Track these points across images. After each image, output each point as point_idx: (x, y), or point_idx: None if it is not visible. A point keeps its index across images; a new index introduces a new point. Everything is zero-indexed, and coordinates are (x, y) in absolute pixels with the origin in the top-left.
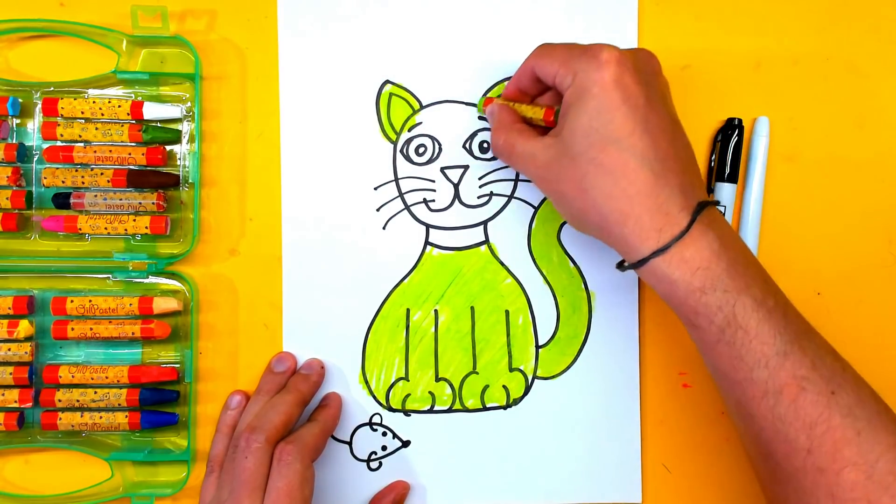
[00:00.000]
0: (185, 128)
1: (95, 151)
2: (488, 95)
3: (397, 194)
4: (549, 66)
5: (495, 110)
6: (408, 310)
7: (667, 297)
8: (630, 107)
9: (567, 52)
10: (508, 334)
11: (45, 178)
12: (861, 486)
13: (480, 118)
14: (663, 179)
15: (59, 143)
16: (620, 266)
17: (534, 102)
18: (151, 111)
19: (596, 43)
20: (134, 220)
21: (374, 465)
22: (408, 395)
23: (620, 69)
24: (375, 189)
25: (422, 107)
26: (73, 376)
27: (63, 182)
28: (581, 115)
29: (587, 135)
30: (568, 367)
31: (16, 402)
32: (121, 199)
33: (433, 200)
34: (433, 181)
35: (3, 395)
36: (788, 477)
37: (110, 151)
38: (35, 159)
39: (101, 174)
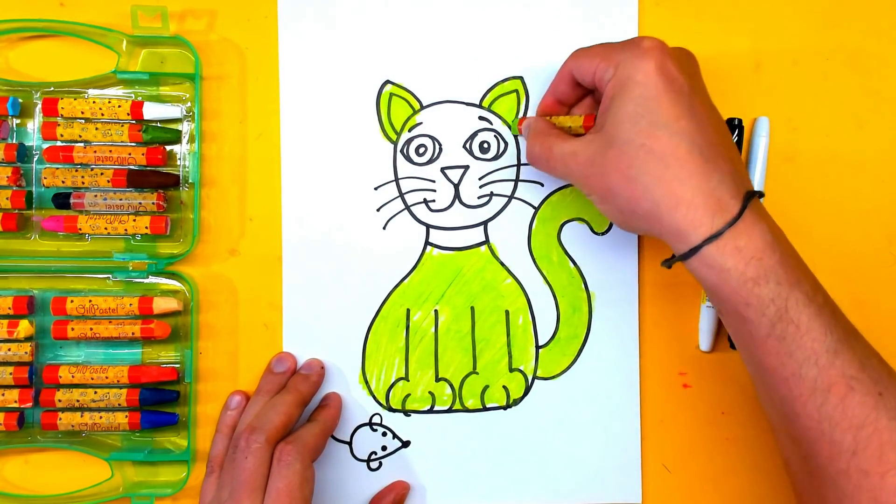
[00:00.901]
0: (185, 128)
1: (95, 151)
2: (521, 116)
3: (397, 194)
4: (588, 63)
5: (531, 123)
6: (408, 310)
7: (717, 288)
8: (676, 92)
9: (605, 47)
10: (508, 334)
11: (45, 178)
12: None
13: (515, 136)
14: (713, 164)
15: (59, 143)
16: (668, 262)
17: (569, 114)
18: (151, 111)
19: (634, 37)
20: (134, 220)
21: (374, 465)
22: (408, 396)
23: (663, 57)
24: (375, 189)
25: (422, 107)
26: (73, 376)
27: (63, 182)
28: (626, 102)
29: (634, 122)
30: (568, 368)
31: (16, 402)
32: (121, 199)
33: (433, 200)
34: (433, 181)
35: (3, 395)
36: (830, 479)
37: (110, 151)
38: (35, 159)
39: (101, 174)
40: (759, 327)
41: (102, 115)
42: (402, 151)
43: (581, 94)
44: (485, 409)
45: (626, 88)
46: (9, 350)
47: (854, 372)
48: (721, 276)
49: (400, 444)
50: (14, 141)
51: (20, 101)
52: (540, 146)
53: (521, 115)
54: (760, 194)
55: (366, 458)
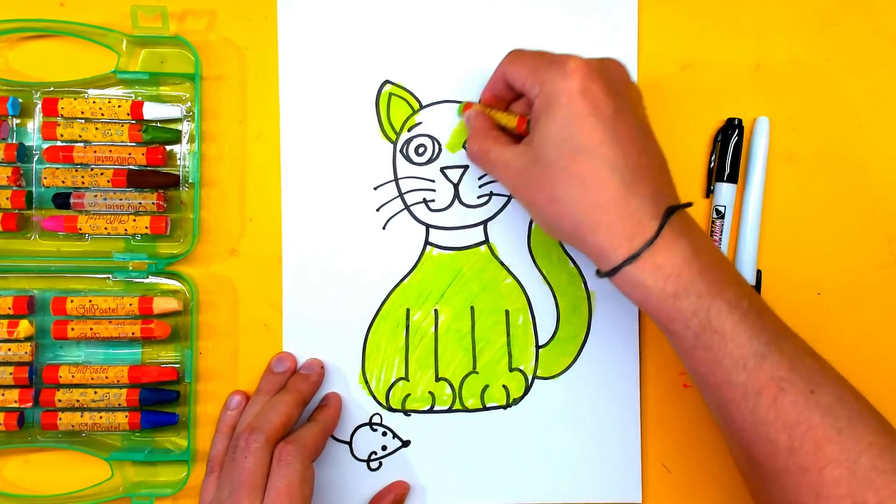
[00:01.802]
0: (185, 128)
1: (95, 151)
2: (468, 101)
3: (397, 194)
4: (518, 73)
5: (472, 116)
6: (408, 310)
7: (642, 305)
8: (598, 117)
9: (535, 60)
10: (508, 334)
11: (45, 178)
12: (845, 484)
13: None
14: (633, 188)
15: (59, 143)
16: (598, 274)
17: (509, 108)
18: (151, 111)
19: (564, 53)
20: (134, 220)
21: (374, 465)
22: (408, 395)
23: (587, 79)
24: (375, 189)
25: (421, 107)
26: (73, 376)
27: (63, 182)
28: (550, 124)
29: (557, 144)
30: (568, 367)
31: (16, 402)
32: (121, 199)
33: (433, 200)
34: (433, 181)
35: (3, 395)
36: (772, 477)
37: (110, 151)
38: (35, 159)
39: (101, 174)
40: (686, 339)
41: (102, 115)
42: (401, 151)
43: (518, 94)
44: (485, 408)
45: (550, 109)
46: (9, 350)
47: (784, 373)
48: (643, 294)
49: (400, 443)
50: (14, 141)
51: (20, 101)
52: (478, 147)
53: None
54: (685, 205)
55: (366, 458)
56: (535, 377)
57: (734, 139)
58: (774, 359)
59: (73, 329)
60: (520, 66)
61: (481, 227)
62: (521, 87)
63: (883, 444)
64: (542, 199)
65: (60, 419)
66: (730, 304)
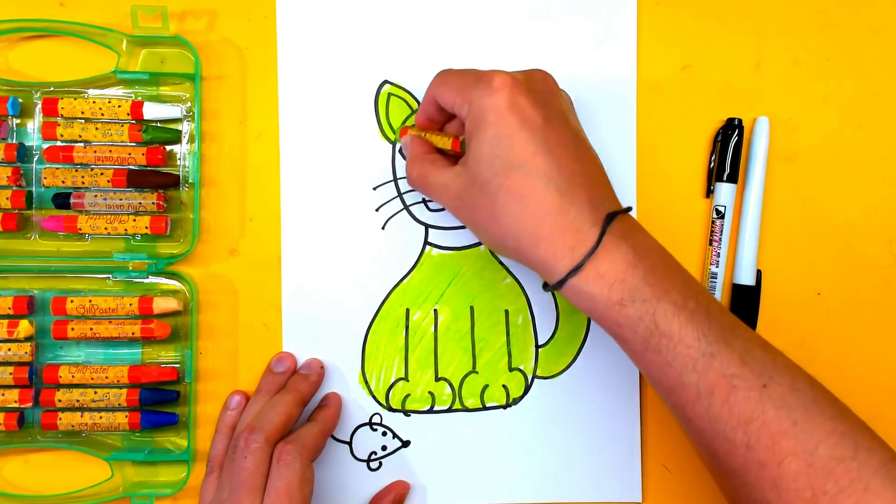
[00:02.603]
0: (185, 128)
1: (95, 151)
2: (405, 125)
3: (396, 194)
4: (446, 94)
5: (408, 142)
6: (407, 310)
7: (590, 314)
8: (528, 130)
9: (461, 79)
10: (508, 334)
11: (45, 178)
12: (804, 475)
13: (400, 151)
14: (570, 197)
15: (59, 143)
16: (545, 287)
17: (444, 129)
18: (151, 111)
19: (489, 69)
20: (134, 220)
21: (373, 465)
22: (408, 395)
23: (513, 93)
24: (374, 189)
25: None
26: (73, 376)
27: (63, 182)
28: (482, 143)
29: (490, 162)
30: (568, 367)
31: (16, 402)
32: (121, 199)
33: (432, 200)
34: None
35: (3, 395)
36: (734, 474)
37: (110, 151)
38: (35, 159)
39: (101, 174)
40: (635, 344)
41: (102, 115)
42: (400, 151)
43: (451, 115)
44: (484, 408)
45: (480, 128)
46: (9, 350)
47: (734, 370)
48: (589, 303)
49: (400, 443)
50: (14, 141)
51: (20, 101)
52: (417, 172)
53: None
54: (625, 210)
55: (366, 457)
56: (534, 377)
57: (734, 139)
58: (724, 356)
59: (73, 329)
60: (447, 87)
61: None
62: (451, 107)
63: (841, 432)
64: (483, 219)
65: (60, 419)
66: (675, 306)
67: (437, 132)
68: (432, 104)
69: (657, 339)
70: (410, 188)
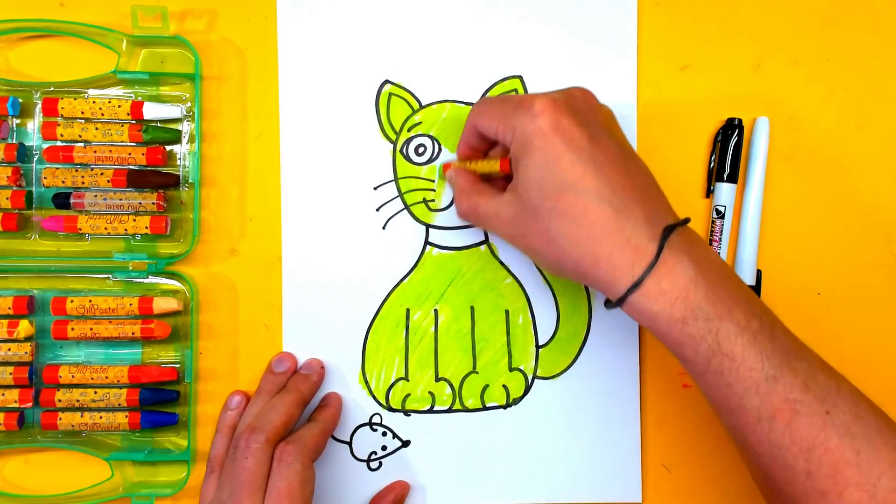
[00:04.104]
0: (185, 128)
1: (95, 151)
2: (445, 161)
3: (397, 194)
4: (488, 123)
5: (453, 175)
6: (408, 310)
7: (652, 330)
8: (575, 150)
9: (502, 107)
10: (508, 334)
11: (45, 178)
12: None
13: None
14: (624, 213)
15: (59, 143)
16: (607, 304)
17: (488, 155)
18: (151, 111)
19: (528, 94)
20: (134, 220)
21: (374, 465)
22: (408, 395)
23: (556, 115)
24: (375, 189)
25: (421, 107)
26: (73, 376)
27: (63, 182)
28: (530, 168)
29: (541, 186)
30: (568, 367)
31: (16, 402)
32: (121, 199)
33: (433, 200)
34: (433, 181)
35: (3, 395)
36: (792, 501)
37: (110, 151)
38: (35, 159)
39: (101, 174)
40: (696, 364)
41: (102, 115)
42: (401, 151)
43: (494, 142)
44: (485, 408)
45: (526, 153)
46: (9, 350)
47: (797, 395)
48: (651, 320)
49: (400, 443)
50: (14, 141)
51: (20, 101)
52: (466, 204)
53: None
54: (683, 222)
55: (366, 458)
56: (535, 377)
57: (734, 139)
58: (787, 380)
59: (73, 329)
60: (488, 116)
61: None
62: (494, 135)
63: None
64: (540, 244)
65: (60, 419)
66: (739, 326)
67: (482, 159)
68: (473, 134)
69: (719, 360)
70: (411, 188)
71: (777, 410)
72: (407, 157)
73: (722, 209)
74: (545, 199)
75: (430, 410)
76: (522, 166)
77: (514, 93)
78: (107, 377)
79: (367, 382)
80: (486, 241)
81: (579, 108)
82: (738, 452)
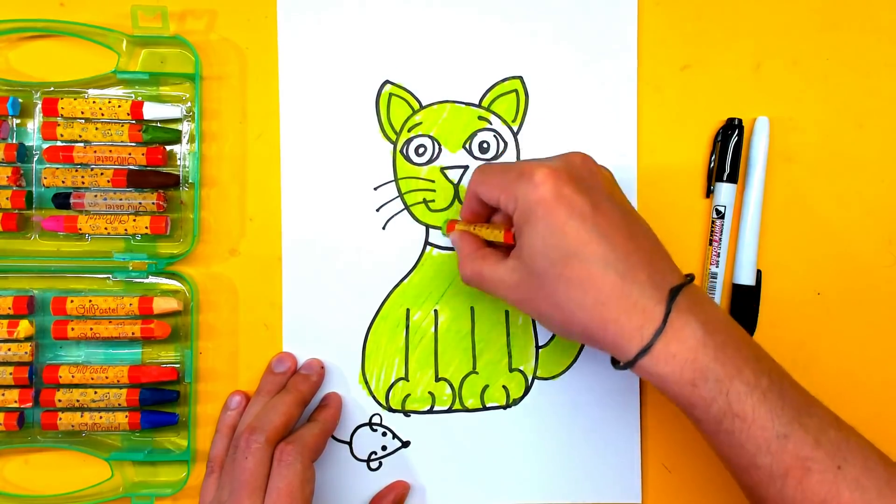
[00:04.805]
0: (185, 128)
1: (95, 151)
2: (451, 219)
3: (397, 194)
4: (489, 192)
5: (456, 239)
6: (408, 310)
7: (662, 391)
8: (578, 218)
9: (503, 176)
10: (508, 334)
11: (45, 178)
12: None
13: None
14: (630, 277)
15: (59, 143)
16: (614, 365)
17: (492, 221)
18: (151, 111)
19: (526, 162)
20: (134, 220)
21: (374, 465)
22: (408, 396)
23: (557, 184)
24: (375, 189)
25: (422, 107)
26: (73, 376)
27: (63, 182)
28: (534, 236)
29: (545, 254)
30: (568, 368)
31: (16, 402)
32: (121, 199)
33: (433, 201)
34: (433, 181)
35: (3, 395)
36: None
37: (110, 151)
38: (35, 159)
39: (101, 174)
40: (708, 424)
41: (102, 115)
42: (401, 151)
43: (494, 208)
44: (485, 408)
45: (530, 222)
46: (9, 350)
47: (808, 452)
48: (661, 382)
49: (400, 444)
50: (14, 141)
51: (20, 101)
52: (471, 270)
53: (519, 114)
54: (687, 282)
55: (366, 458)
56: (534, 377)
57: (734, 139)
58: (798, 437)
59: (73, 329)
60: (489, 186)
61: None
62: (496, 203)
63: None
64: (547, 309)
65: (60, 419)
66: (748, 385)
67: (486, 225)
68: (475, 200)
69: (730, 420)
70: (411, 189)
71: (789, 468)
72: (407, 158)
73: (722, 209)
74: (551, 267)
75: (430, 411)
76: (526, 234)
77: (513, 93)
78: (107, 377)
79: (367, 382)
80: None
81: (580, 174)
82: None
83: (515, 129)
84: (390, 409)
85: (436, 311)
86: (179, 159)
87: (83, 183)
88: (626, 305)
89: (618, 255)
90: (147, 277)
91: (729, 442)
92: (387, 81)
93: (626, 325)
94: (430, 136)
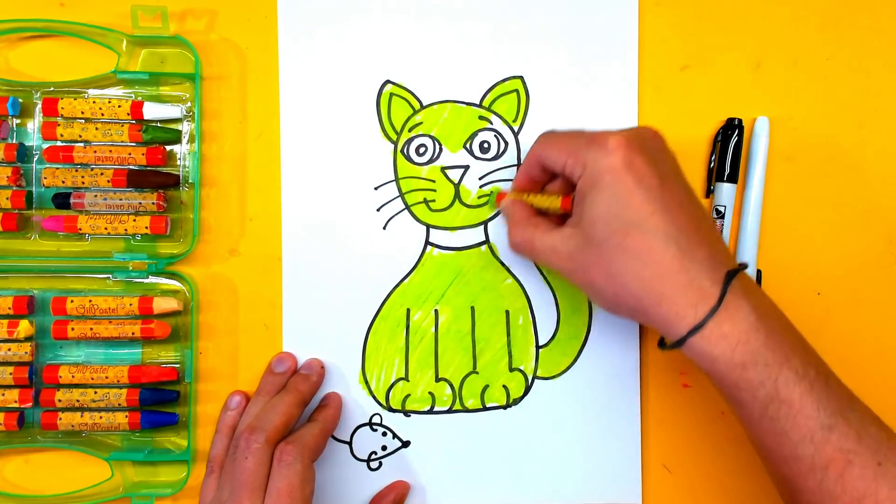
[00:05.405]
0: (185, 128)
1: (95, 151)
2: (500, 191)
3: (398, 194)
4: (556, 156)
5: (508, 206)
6: (408, 310)
7: (709, 373)
8: (645, 188)
9: (573, 141)
10: (508, 334)
11: (45, 178)
12: None
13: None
14: (690, 254)
15: (59, 143)
16: (661, 345)
17: (545, 190)
18: (151, 111)
19: (599, 131)
20: (134, 220)
21: (374, 465)
22: (408, 396)
23: (630, 153)
24: (376, 189)
25: (422, 107)
26: (73, 376)
27: (63, 182)
28: (598, 203)
29: (607, 222)
30: (568, 368)
31: (16, 402)
32: (121, 199)
33: (433, 200)
34: (433, 181)
35: (3, 395)
36: None
37: (110, 151)
38: (35, 159)
39: (101, 174)
40: (753, 409)
41: (102, 115)
42: (402, 151)
43: (553, 175)
44: (485, 408)
45: (596, 188)
46: (9, 350)
47: (851, 445)
48: (710, 363)
49: (400, 444)
50: (14, 141)
51: (20, 101)
52: (521, 237)
53: (519, 114)
54: (741, 267)
55: (366, 458)
56: (535, 377)
57: (734, 139)
58: (842, 430)
59: (73, 329)
60: (557, 150)
61: (482, 227)
62: (561, 168)
63: None
64: (600, 279)
65: (60, 419)
66: (797, 374)
67: (540, 193)
68: (536, 165)
69: (776, 407)
70: (411, 188)
71: (830, 460)
72: (408, 158)
73: (722, 209)
74: (611, 236)
75: (431, 411)
76: (589, 201)
77: (514, 93)
78: (107, 377)
79: (367, 382)
80: (486, 242)
81: (650, 147)
82: (783, 498)
83: (516, 129)
84: (390, 409)
85: (436, 311)
86: (179, 159)
87: (83, 183)
88: (682, 282)
89: (680, 231)
90: (147, 277)
91: (772, 429)
92: (387, 81)
93: (680, 301)
94: (430, 136)
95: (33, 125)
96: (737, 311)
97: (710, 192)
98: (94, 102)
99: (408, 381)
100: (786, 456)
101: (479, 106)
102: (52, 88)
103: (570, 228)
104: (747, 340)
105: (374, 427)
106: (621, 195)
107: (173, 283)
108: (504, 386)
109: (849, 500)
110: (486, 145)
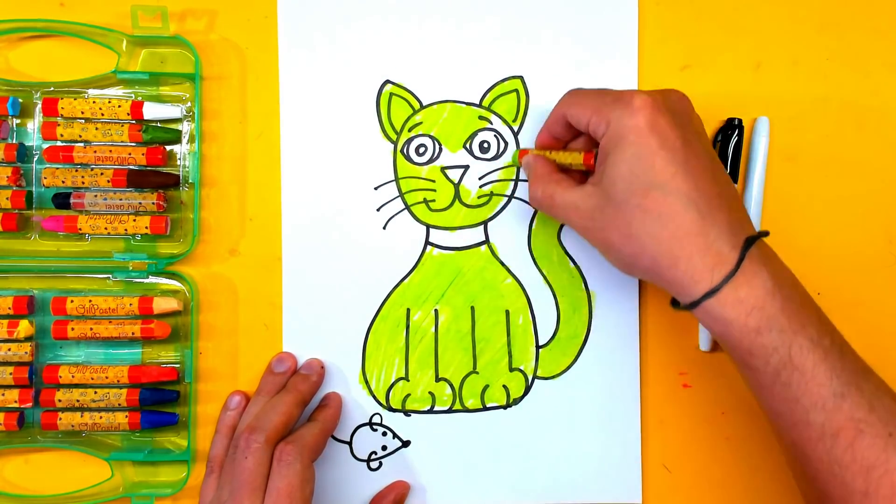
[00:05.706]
0: (185, 128)
1: (95, 151)
2: (522, 148)
3: (397, 194)
4: (581, 113)
5: (531, 161)
6: (408, 310)
7: (721, 338)
8: (668, 150)
9: (599, 98)
10: (508, 334)
11: (45, 178)
12: None
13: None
14: (710, 218)
15: (59, 143)
16: (675, 305)
17: (568, 148)
18: (151, 111)
19: (625, 90)
20: (134, 220)
21: (374, 465)
22: (408, 396)
23: (654, 114)
24: (376, 189)
25: (422, 107)
26: (73, 376)
27: (63, 182)
28: (620, 162)
29: (629, 182)
30: (568, 367)
31: (16, 402)
32: (121, 199)
33: (433, 200)
34: (433, 181)
35: (3, 395)
36: None
37: (110, 151)
38: (35, 159)
39: (101, 174)
40: (765, 375)
41: (102, 115)
42: (402, 151)
43: (577, 133)
44: (485, 408)
45: (619, 147)
46: (9, 350)
47: (863, 414)
48: (724, 327)
49: (400, 443)
50: (14, 141)
51: (20, 101)
52: (542, 192)
53: (519, 114)
54: (762, 234)
55: (366, 457)
56: (535, 377)
57: (734, 139)
58: (854, 399)
59: (73, 329)
60: (582, 107)
61: (481, 227)
62: (586, 127)
63: None
64: (618, 238)
65: (60, 419)
66: (811, 341)
67: (562, 150)
68: (560, 122)
69: (789, 373)
70: (411, 188)
71: (841, 428)
72: (408, 158)
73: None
74: (632, 195)
75: (431, 410)
76: (612, 160)
77: (514, 93)
78: (107, 377)
79: (367, 382)
80: (486, 242)
81: (676, 109)
82: (792, 470)
83: (516, 129)
84: (390, 409)
85: (436, 310)
86: (179, 159)
87: (83, 183)
88: (701, 245)
89: (701, 194)
90: (147, 277)
91: (783, 395)
92: (387, 81)
93: (697, 264)
94: (430, 136)
95: (33, 125)
96: (754, 277)
97: None
98: (94, 102)
99: (408, 380)
100: (796, 421)
101: (479, 106)
102: (52, 88)
103: (591, 186)
104: (763, 306)
105: (374, 427)
106: (644, 156)
107: (173, 283)
108: (504, 386)
109: (858, 468)
110: (485, 145)
